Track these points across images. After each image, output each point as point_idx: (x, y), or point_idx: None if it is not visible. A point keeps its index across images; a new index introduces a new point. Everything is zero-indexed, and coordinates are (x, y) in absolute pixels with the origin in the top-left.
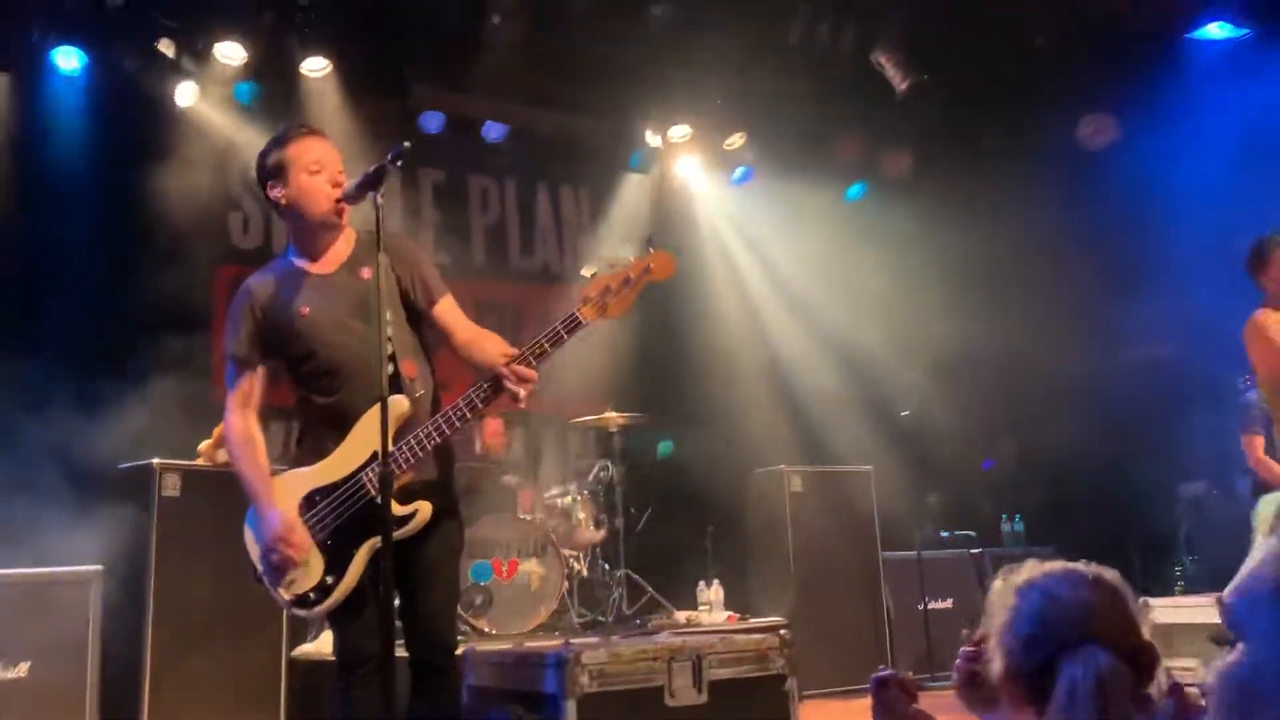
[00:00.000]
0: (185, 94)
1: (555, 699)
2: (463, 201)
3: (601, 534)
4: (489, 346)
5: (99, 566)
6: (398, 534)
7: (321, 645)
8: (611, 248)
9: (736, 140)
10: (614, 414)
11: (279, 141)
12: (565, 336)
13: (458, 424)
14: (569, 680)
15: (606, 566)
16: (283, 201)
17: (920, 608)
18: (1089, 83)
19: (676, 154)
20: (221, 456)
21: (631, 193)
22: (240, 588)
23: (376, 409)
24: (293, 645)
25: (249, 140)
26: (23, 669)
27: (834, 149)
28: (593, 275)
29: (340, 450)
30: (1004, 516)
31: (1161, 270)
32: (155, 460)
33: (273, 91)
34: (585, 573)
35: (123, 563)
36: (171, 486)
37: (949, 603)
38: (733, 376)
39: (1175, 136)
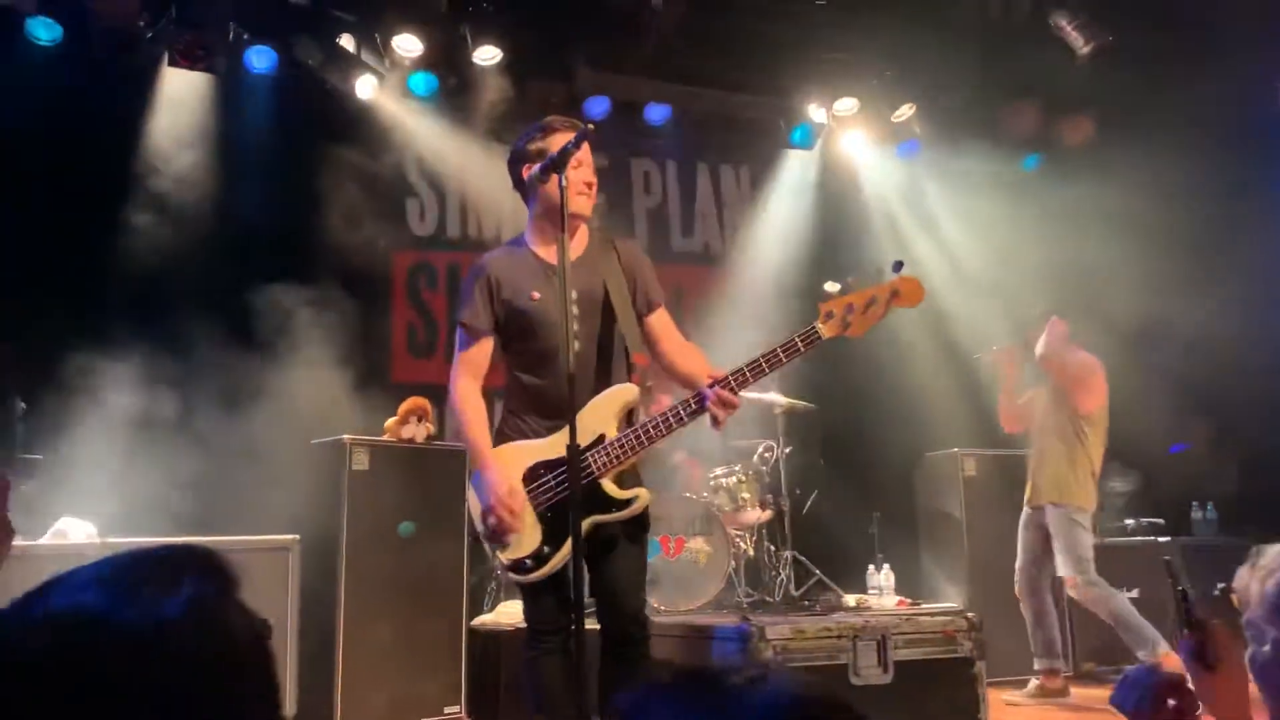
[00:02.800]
0: (365, 87)
1: None
2: (626, 185)
3: (767, 514)
4: (695, 363)
5: (296, 536)
6: (616, 516)
7: (499, 616)
8: (842, 265)
9: (905, 112)
10: (778, 395)
11: (545, 130)
12: (783, 360)
13: (665, 433)
14: (751, 655)
15: (772, 548)
16: (529, 187)
17: None
18: None
19: (841, 128)
20: (406, 432)
21: (793, 170)
22: (423, 559)
23: (608, 392)
24: (472, 615)
25: (425, 130)
26: None
27: (1008, 118)
28: (837, 291)
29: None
30: (1194, 504)
31: None
32: (345, 436)
33: (447, 81)
34: (751, 553)
35: (317, 533)
36: (360, 461)
37: (1135, 592)
38: (902, 356)
39: None
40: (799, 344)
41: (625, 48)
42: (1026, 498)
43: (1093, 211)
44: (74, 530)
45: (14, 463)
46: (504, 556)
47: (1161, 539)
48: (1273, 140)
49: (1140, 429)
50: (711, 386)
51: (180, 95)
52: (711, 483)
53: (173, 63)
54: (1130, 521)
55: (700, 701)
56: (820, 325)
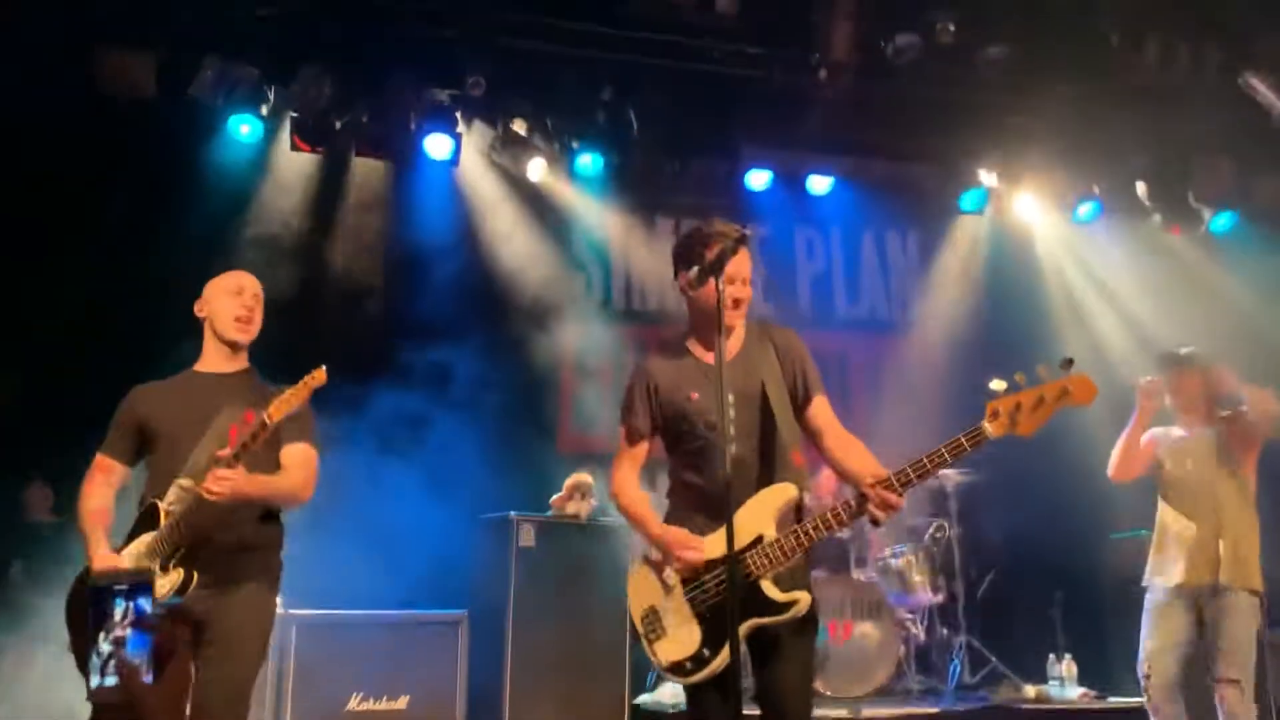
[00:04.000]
0: (535, 169)
1: None
2: (789, 253)
3: (939, 597)
4: (859, 461)
5: (464, 611)
6: (776, 620)
7: (660, 695)
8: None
9: (1082, 176)
10: (950, 470)
11: (705, 239)
12: (949, 461)
13: (825, 534)
14: None
15: (945, 632)
16: (687, 290)
17: None
18: None
19: (1014, 192)
20: (570, 508)
21: (962, 235)
22: (586, 634)
23: (766, 492)
24: (635, 692)
25: (592, 207)
26: (403, 701)
27: (1197, 178)
28: (1004, 390)
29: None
30: None
31: None
32: (512, 513)
33: (612, 160)
34: (923, 637)
35: (484, 607)
36: (527, 537)
37: None
38: (1083, 432)
39: None
40: (965, 444)
41: (789, 121)
42: (1182, 575)
43: None
44: None
45: None
46: (663, 658)
47: None
48: None
49: None
50: (872, 486)
51: (363, 182)
52: (880, 564)
53: (358, 153)
54: None
55: None
56: (987, 424)
